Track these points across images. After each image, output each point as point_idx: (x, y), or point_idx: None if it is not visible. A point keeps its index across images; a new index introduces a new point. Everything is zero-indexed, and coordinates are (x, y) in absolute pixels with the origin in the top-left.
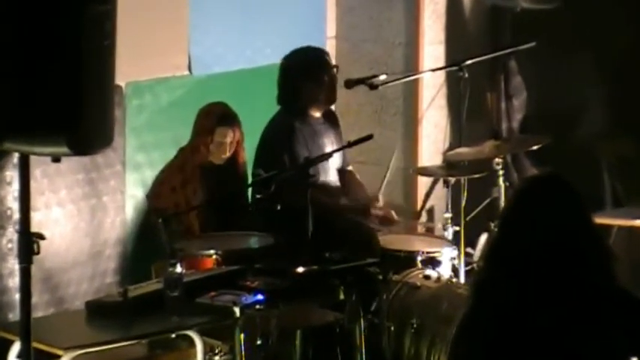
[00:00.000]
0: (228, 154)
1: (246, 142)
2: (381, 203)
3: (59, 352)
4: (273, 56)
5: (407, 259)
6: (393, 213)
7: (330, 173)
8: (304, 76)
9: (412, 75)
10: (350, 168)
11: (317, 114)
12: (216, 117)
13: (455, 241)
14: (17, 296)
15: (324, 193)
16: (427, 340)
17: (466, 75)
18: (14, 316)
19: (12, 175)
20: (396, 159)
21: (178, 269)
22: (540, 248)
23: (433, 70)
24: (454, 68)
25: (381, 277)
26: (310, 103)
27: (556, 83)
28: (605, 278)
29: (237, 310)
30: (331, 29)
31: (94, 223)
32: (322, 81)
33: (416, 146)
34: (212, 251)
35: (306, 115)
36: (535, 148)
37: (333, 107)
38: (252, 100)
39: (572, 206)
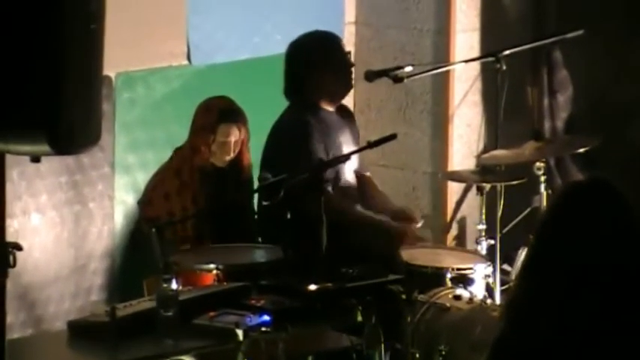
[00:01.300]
0: (232, 155)
1: (252, 141)
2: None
3: None
4: (283, 44)
5: (435, 277)
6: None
7: (347, 177)
8: (310, 63)
9: (442, 66)
10: (368, 174)
11: (330, 108)
12: (219, 112)
13: (490, 257)
14: None
15: (346, 201)
16: None
17: (504, 67)
18: None
19: None
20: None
21: (173, 286)
22: (582, 266)
23: (466, 62)
24: (490, 59)
25: (404, 296)
26: (320, 95)
27: (607, 78)
28: None
29: (240, 332)
30: (350, 13)
31: (79, 233)
32: (332, 68)
33: (446, 148)
34: (212, 265)
35: (319, 108)
36: (582, 150)
37: (351, 103)
38: (259, 94)
39: (619, 217)
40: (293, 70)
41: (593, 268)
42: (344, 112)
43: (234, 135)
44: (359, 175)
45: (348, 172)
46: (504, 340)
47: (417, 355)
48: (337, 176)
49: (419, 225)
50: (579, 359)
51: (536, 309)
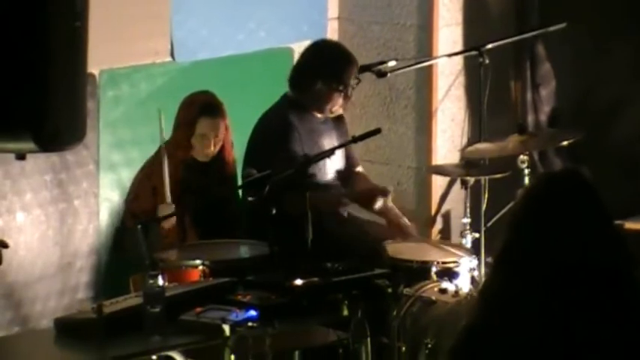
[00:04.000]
0: (212, 150)
1: (236, 138)
2: (390, 200)
3: None
4: (267, 40)
5: (420, 271)
6: (406, 221)
7: (328, 174)
8: (325, 73)
9: (426, 61)
10: (359, 169)
11: (318, 115)
12: (199, 107)
13: (474, 250)
14: None
15: (321, 192)
16: None
17: (487, 61)
18: None
19: None
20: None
21: (160, 282)
22: (554, 258)
23: (450, 56)
24: (473, 53)
25: (390, 290)
26: (313, 103)
27: (591, 72)
28: (626, 298)
29: (226, 328)
30: (334, 9)
31: (64, 231)
32: (338, 89)
33: (430, 143)
34: (198, 262)
35: (307, 111)
36: (565, 144)
37: None
38: (243, 90)
39: (591, 208)
40: (304, 67)
41: (564, 259)
42: (336, 116)
43: (213, 129)
44: (349, 171)
45: (330, 169)
46: (476, 327)
47: (404, 349)
48: (319, 175)
49: (390, 196)
50: (548, 351)
51: (506, 300)
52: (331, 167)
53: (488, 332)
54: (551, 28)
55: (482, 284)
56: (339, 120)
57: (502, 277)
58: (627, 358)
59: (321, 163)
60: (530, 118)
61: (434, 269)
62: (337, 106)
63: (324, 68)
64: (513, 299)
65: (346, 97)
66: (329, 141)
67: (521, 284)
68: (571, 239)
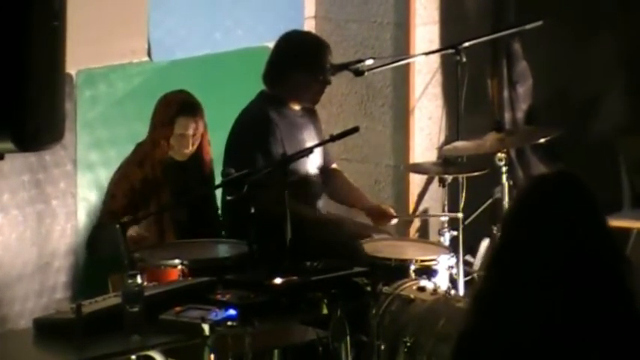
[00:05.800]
0: (191, 149)
1: (214, 137)
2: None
3: None
4: (245, 39)
5: (398, 269)
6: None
7: (309, 171)
8: (298, 62)
9: (403, 59)
10: (335, 166)
11: (296, 107)
12: (177, 106)
13: (453, 248)
14: None
15: (303, 197)
16: None
17: (464, 59)
18: None
19: None
20: None
21: (138, 281)
22: (548, 258)
23: (427, 54)
24: (450, 51)
25: (369, 288)
26: (291, 95)
27: (568, 69)
28: (620, 299)
29: (206, 327)
30: (310, 8)
31: (42, 231)
32: (314, 76)
33: (407, 141)
34: (177, 261)
35: (285, 106)
36: (543, 141)
37: None
38: (220, 89)
39: (585, 210)
40: (278, 60)
41: (559, 260)
42: (309, 109)
43: (192, 128)
44: (325, 169)
45: (310, 167)
46: (470, 331)
47: (383, 347)
48: (297, 172)
49: (394, 221)
50: (544, 351)
51: (501, 301)
52: (311, 164)
53: (483, 336)
54: (528, 26)
55: (475, 288)
56: (313, 114)
57: (495, 280)
58: (625, 355)
59: (302, 160)
60: (507, 116)
61: (412, 267)
62: (320, 94)
63: (298, 57)
64: (508, 301)
65: (325, 82)
66: (308, 134)
67: (515, 285)
68: (565, 241)
